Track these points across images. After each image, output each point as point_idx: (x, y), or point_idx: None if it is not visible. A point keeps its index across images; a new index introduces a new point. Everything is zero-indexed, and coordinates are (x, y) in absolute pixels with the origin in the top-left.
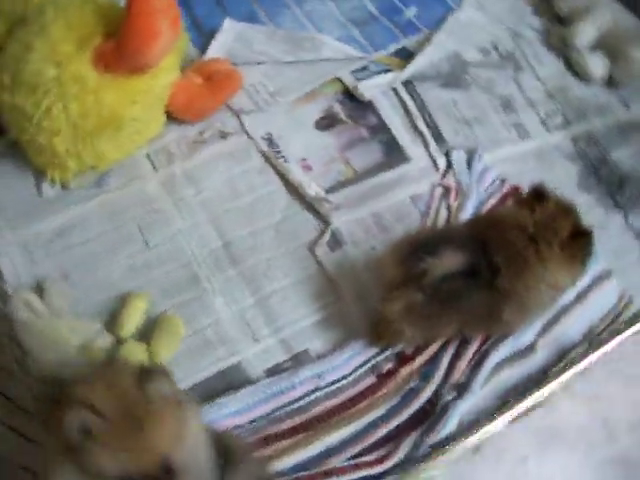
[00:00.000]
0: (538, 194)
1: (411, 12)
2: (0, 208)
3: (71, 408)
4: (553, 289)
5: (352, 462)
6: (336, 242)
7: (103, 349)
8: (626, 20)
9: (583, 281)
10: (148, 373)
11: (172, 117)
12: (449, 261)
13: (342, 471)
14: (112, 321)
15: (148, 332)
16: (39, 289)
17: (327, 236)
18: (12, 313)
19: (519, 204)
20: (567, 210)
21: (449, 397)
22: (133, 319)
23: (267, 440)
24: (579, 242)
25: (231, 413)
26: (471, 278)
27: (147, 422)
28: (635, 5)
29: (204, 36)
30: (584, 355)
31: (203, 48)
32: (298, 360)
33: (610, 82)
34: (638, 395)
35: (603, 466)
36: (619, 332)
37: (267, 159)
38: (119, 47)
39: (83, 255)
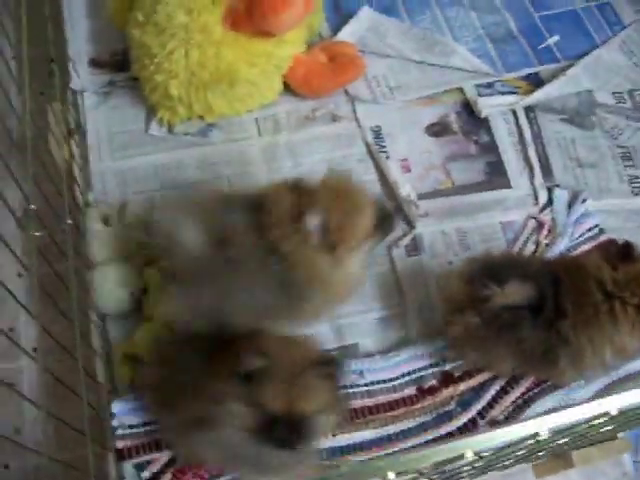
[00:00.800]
0: (627, 252)
1: (553, 40)
2: (109, 134)
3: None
4: (619, 352)
5: None
6: (415, 248)
7: None
8: None
9: None
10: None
11: (289, 89)
12: (514, 291)
13: None
14: None
15: None
16: (121, 210)
17: (407, 239)
18: (87, 223)
19: (605, 257)
20: None
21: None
22: None
23: None
24: None
25: None
26: (534, 313)
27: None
28: None
29: (340, 18)
30: None
31: (336, 29)
32: (347, 351)
33: None
34: None
35: None
36: None
37: (370, 150)
38: (249, 8)
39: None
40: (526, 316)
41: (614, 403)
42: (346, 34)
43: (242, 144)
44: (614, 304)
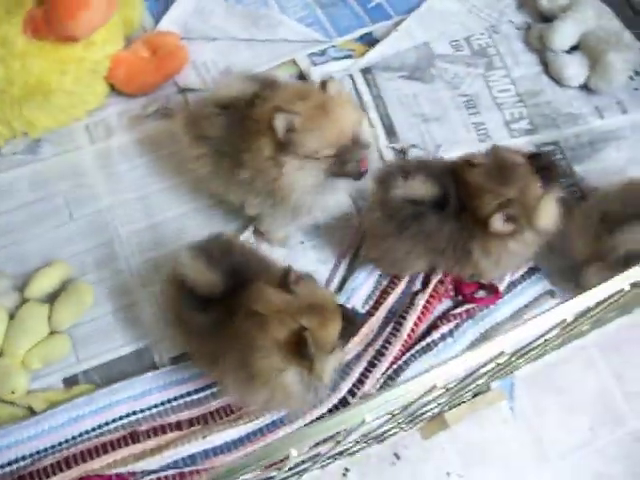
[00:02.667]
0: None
1: None
2: None
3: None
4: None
5: None
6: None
7: (5, 306)
8: (609, 22)
9: (524, 298)
10: None
11: (117, 89)
12: (416, 185)
13: None
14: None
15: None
16: None
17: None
18: None
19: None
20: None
21: None
22: (41, 282)
23: (162, 429)
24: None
25: (130, 397)
26: (438, 208)
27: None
28: (619, 6)
29: (163, 6)
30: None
31: (159, 19)
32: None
33: (587, 88)
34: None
35: None
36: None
37: None
38: (46, 14)
39: (7, 223)
40: (429, 211)
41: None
42: (169, 21)
43: (74, 155)
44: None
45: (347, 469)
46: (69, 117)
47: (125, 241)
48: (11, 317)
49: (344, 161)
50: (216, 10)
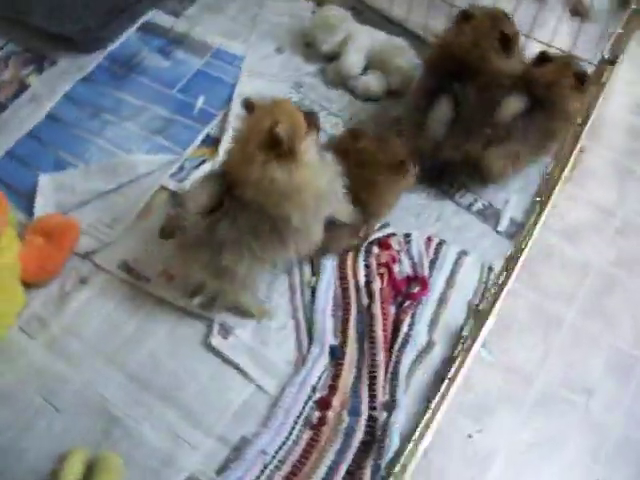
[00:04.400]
0: None
1: (200, 102)
2: None
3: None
4: None
5: None
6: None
7: None
8: (381, 37)
9: (447, 268)
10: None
11: (29, 282)
12: None
13: None
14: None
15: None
16: None
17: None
18: None
19: None
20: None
21: (383, 418)
22: (71, 471)
23: None
24: None
25: None
26: None
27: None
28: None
29: (25, 198)
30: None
31: (29, 210)
32: (239, 448)
33: (392, 93)
34: None
35: None
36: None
37: (132, 285)
38: None
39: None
40: None
41: None
42: (41, 208)
43: (25, 358)
44: None
45: None
46: (3, 329)
47: (116, 401)
48: None
49: None
50: (75, 180)
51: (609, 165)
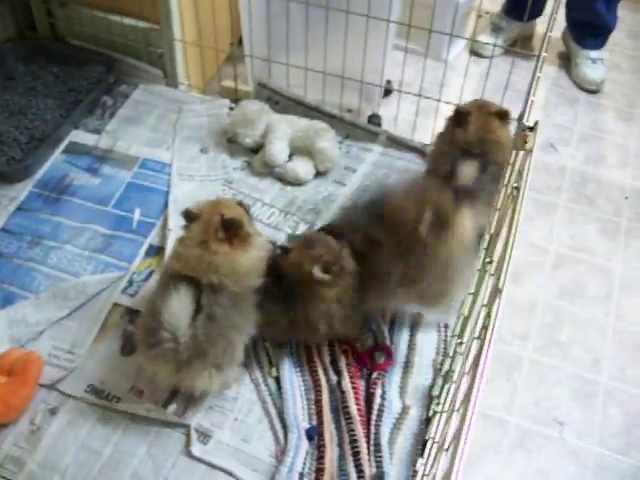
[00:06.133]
0: None
1: (137, 214)
2: None
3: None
4: None
5: None
6: None
7: None
8: (301, 123)
9: (405, 332)
10: None
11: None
12: None
13: None
14: None
15: None
16: None
17: None
18: None
19: None
20: None
21: None
22: None
23: None
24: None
25: None
26: None
27: None
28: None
29: None
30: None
31: None
32: None
33: (319, 174)
34: None
35: None
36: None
37: (103, 407)
38: None
39: None
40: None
41: None
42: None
43: None
44: None
45: None
46: None
47: None
48: None
49: None
50: (27, 311)
51: (534, 204)
